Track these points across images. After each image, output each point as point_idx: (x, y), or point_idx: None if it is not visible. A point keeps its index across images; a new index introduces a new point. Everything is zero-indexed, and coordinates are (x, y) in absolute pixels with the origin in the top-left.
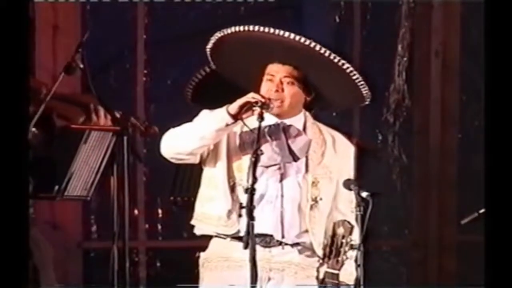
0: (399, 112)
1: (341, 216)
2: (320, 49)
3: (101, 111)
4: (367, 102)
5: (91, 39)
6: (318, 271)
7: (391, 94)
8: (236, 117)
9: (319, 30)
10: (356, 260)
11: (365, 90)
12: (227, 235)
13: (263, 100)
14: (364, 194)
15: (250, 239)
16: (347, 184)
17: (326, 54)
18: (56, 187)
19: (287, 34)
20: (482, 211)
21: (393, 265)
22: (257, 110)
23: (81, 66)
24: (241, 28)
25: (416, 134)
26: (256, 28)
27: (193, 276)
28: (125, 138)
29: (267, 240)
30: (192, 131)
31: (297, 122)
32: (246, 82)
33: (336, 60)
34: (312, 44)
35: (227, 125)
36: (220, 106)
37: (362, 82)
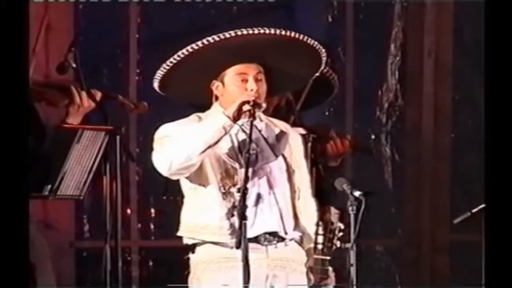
0: (391, 111)
1: (303, 199)
2: (270, 31)
3: (83, 93)
4: (322, 67)
5: (84, 38)
6: (307, 262)
7: (384, 94)
8: (235, 120)
9: (312, 30)
10: (349, 260)
11: (321, 51)
12: (228, 244)
13: (258, 100)
14: (357, 193)
15: (243, 239)
16: (339, 183)
17: (277, 33)
18: (49, 186)
19: (233, 33)
20: (474, 210)
21: (386, 264)
22: (249, 109)
23: (74, 65)
24: (194, 46)
25: (408, 133)
26: (211, 39)
27: (186, 275)
28: (117, 137)
29: (271, 238)
30: (195, 142)
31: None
32: (202, 97)
33: (288, 34)
34: (262, 31)
35: (230, 127)
36: (187, 96)
37: (317, 45)
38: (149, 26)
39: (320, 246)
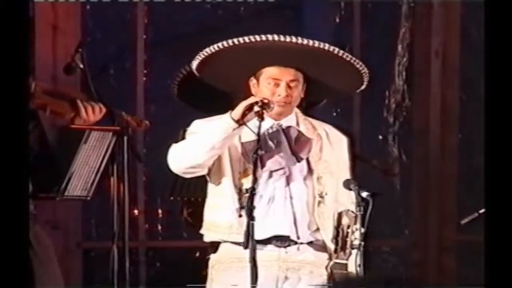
0: (399, 112)
1: (343, 207)
2: (315, 44)
3: (90, 108)
4: (363, 86)
5: (91, 39)
6: (327, 269)
7: (391, 94)
8: (240, 121)
9: (319, 30)
10: (356, 260)
11: (365, 74)
12: (239, 243)
13: (265, 100)
14: (364, 194)
15: (250, 239)
16: (346, 183)
17: (322, 47)
18: (56, 187)
19: (282, 38)
20: (482, 211)
21: (393, 265)
22: (258, 110)
23: (81, 66)
24: (236, 41)
25: (416, 134)
26: (253, 38)
27: (193, 276)
28: (125, 138)
29: (283, 240)
30: (201, 143)
31: (291, 121)
32: (236, 88)
33: (335, 52)
34: (310, 43)
35: (234, 130)
36: (206, 103)
37: (363, 68)
38: (156, 27)
39: (339, 250)
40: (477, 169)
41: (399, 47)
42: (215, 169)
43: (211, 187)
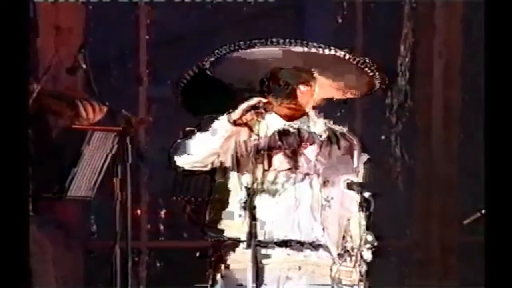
0: (401, 112)
1: (348, 213)
2: (325, 50)
3: (89, 107)
4: (375, 88)
5: (94, 39)
6: (331, 269)
7: (394, 95)
8: (238, 122)
9: (321, 30)
10: (357, 260)
11: (378, 81)
12: (244, 241)
13: (265, 101)
14: (366, 194)
15: (252, 239)
16: (349, 184)
17: (333, 53)
18: (60, 187)
19: (291, 42)
20: (484, 211)
21: (395, 265)
22: (258, 111)
23: (84, 66)
24: (245, 43)
25: (418, 134)
26: (264, 41)
27: (194, 276)
28: (127, 138)
29: (286, 241)
30: (199, 140)
31: (303, 123)
32: (248, 88)
33: (345, 57)
34: (319, 50)
35: (231, 130)
36: (210, 109)
37: (376, 74)
38: (158, 28)
39: (346, 257)
40: (479, 169)
41: (402, 47)
42: (220, 168)
43: (216, 185)
